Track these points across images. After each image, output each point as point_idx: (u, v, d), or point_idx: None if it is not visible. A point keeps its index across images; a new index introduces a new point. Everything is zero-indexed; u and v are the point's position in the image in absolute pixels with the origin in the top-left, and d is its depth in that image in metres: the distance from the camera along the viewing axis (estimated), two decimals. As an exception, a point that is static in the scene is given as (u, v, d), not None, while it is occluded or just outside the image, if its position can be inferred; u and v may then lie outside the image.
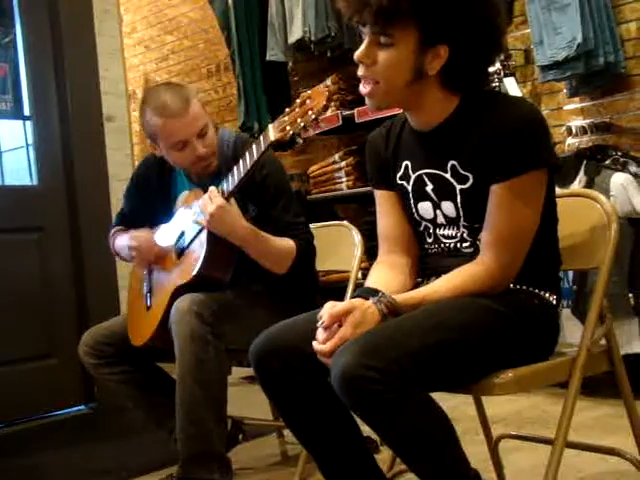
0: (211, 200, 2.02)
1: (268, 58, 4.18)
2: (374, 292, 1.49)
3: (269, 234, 2.11)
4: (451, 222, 1.60)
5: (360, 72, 1.54)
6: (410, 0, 1.44)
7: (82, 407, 3.56)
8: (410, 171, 1.64)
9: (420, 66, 1.50)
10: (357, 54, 1.52)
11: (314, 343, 1.44)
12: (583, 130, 3.30)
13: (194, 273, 2.07)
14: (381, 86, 1.52)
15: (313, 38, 3.92)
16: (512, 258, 1.52)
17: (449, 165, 1.56)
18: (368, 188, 1.79)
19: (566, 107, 3.56)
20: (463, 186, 1.55)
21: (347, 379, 1.31)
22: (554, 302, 1.60)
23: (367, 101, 1.57)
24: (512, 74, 3.43)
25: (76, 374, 3.38)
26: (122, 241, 2.35)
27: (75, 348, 2.32)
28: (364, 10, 1.47)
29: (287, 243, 2.14)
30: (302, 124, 1.82)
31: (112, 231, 2.45)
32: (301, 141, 1.84)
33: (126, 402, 2.37)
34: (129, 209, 2.43)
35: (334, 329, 1.42)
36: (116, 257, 2.47)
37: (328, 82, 3.95)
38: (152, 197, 2.33)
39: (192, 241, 2.15)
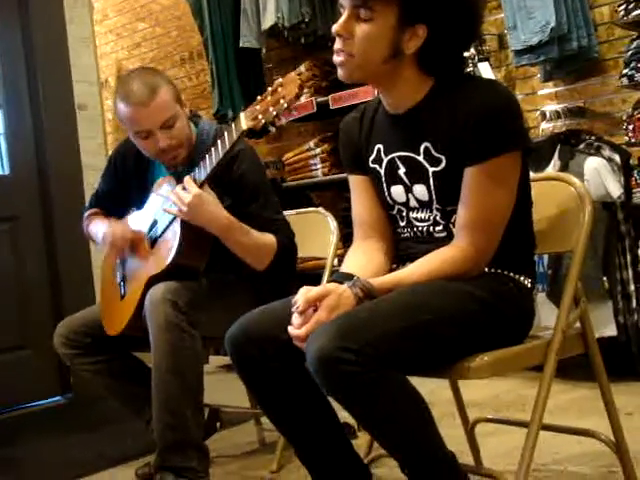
0: (187, 190, 1.99)
1: (241, 45, 4.16)
2: (349, 277, 1.49)
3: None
4: (423, 205, 1.60)
5: (337, 45, 1.52)
6: None
7: (58, 398, 3.53)
8: (382, 154, 1.63)
9: (397, 44, 1.49)
10: (335, 27, 1.51)
11: (289, 328, 1.43)
12: (557, 115, 3.32)
13: (167, 262, 2.05)
14: (356, 59, 1.51)
15: (286, 24, 3.90)
16: (487, 240, 1.53)
17: (422, 147, 1.56)
18: (344, 175, 1.79)
19: (540, 92, 3.58)
20: (436, 169, 1.55)
21: (323, 361, 1.30)
22: (529, 285, 1.60)
23: (339, 71, 1.55)
24: (486, 59, 3.45)
25: (52, 365, 3.35)
26: (97, 227, 2.33)
27: (50, 338, 2.30)
28: None
29: (269, 239, 2.11)
30: (274, 112, 1.80)
31: (86, 214, 2.43)
32: (273, 129, 1.82)
33: (102, 392, 2.35)
34: (105, 190, 2.41)
35: (309, 314, 1.42)
36: (90, 244, 2.45)
37: (302, 69, 3.94)
38: (128, 180, 2.31)
39: (165, 230, 2.12)
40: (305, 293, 1.43)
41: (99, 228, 2.31)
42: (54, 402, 3.51)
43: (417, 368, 1.43)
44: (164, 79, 2.15)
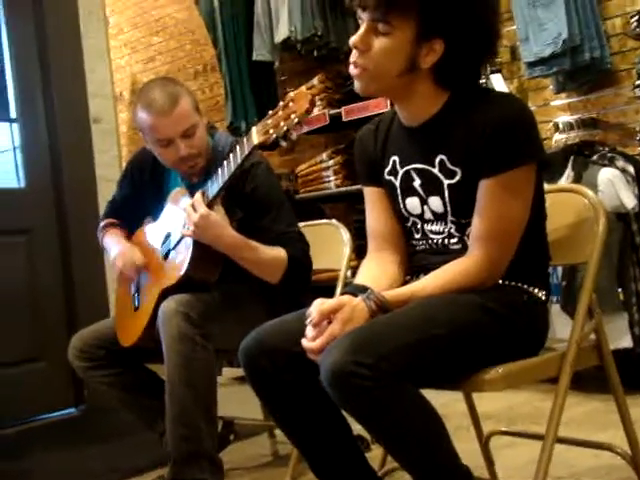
0: (195, 209, 2.00)
1: (254, 58, 4.18)
2: (363, 289, 1.48)
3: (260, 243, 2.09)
4: (439, 217, 1.60)
5: (353, 58, 1.53)
6: None
7: (72, 410, 3.54)
8: (398, 166, 1.64)
9: (414, 58, 1.50)
10: (353, 39, 1.52)
11: (303, 341, 1.43)
12: (570, 126, 3.31)
13: (180, 275, 2.06)
14: (371, 72, 1.52)
15: (299, 37, 3.91)
16: (501, 253, 1.52)
17: (437, 160, 1.56)
18: (356, 187, 1.80)
19: (553, 103, 3.57)
20: (451, 181, 1.55)
21: (337, 376, 1.30)
22: (543, 298, 1.60)
23: (355, 83, 1.56)
24: (498, 71, 3.45)
25: (66, 377, 3.37)
26: (110, 244, 2.35)
27: (64, 351, 2.31)
28: None
29: (278, 252, 2.11)
30: (285, 127, 1.80)
31: (102, 224, 2.45)
32: (284, 144, 1.83)
33: (116, 404, 2.35)
34: (121, 197, 2.43)
35: (323, 326, 1.42)
36: (105, 256, 2.47)
37: (315, 81, 3.95)
38: (144, 189, 2.33)
39: (178, 243, 2.14)
40: (319, 305, 1.43)
41: (112, 246, 2.32)
42: (68, 414, 3.52)
43: (431, 381, 1.43)
44: (184, 89, 2.18)
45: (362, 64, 1.52)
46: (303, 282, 2.19)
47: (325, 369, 1.32)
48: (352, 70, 1.55)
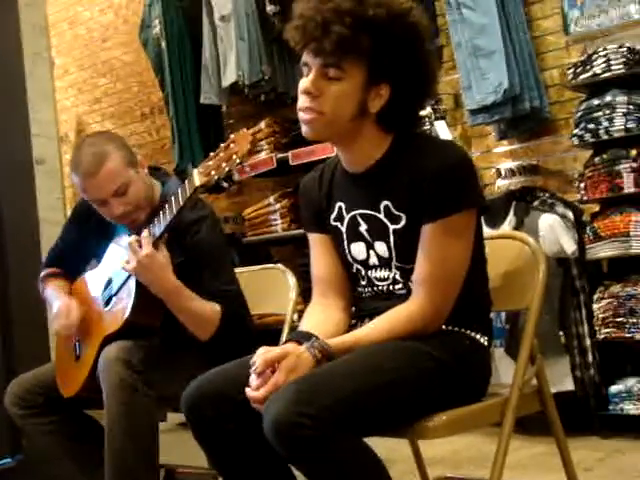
0: (141, 247, 1.98)
1: (202, 101, 4.19)
2: (308, 336, 1.48)
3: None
4: (384, 263, 1.61)
5: (305, 103, 1.53)
6: (370, 38, 1.48)
7: (8, 460, 3.42)
8: (344, 212, 1.65)
9: (364, 102, 1.53)
10: (305, 84, 1.53)
11: (247, 390, 1.42)
12: (512, 172, 3.39)
13: (122, 321, 2.03)
14: (326, 117, 1.53)
15: (247, 82, 3.95)
16: (444, 297, 1.54)
17: (382, 205, 1.58)
18: (303, 230, 1.80)
19: (495, 150, 3.66)
20: (396, 226, 1.57)
21: (280, 426, 1.29)
22: (485, 343, 1.61)
23: (305, 128, 1.56)
24: (443, 117, 3.52)
25: (2, 425, 3.25)
26: (51, 298, 2.28)
27: (1, 397, 2.24)
28: (324, 39, 1.47)
29: (212, 307, 2.06)
30: (227, 168, 1.81)
31: (43, 273, 2.38)
32: (226, 185, 1.83)
33: (55, 452, 2.29)
34: (65, 242, 2.37)
35: (267, 375, 1.41)
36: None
37: (262, 125, 3.98)
38: (89, 235, 2.28)
39: (120, 288, 2.10)
40: (263, 354, 1.43)
41: (53, 301, 2.26)
42: (3, 464, 3.39)
43: (375, 429, 1.42)
44: (116, 144, 2.11)
45: (317, 109, 1.52)
46: (233, 343, 2.07)
47: (268, 420, 1.31)
48: (303, 116, 1.54)
